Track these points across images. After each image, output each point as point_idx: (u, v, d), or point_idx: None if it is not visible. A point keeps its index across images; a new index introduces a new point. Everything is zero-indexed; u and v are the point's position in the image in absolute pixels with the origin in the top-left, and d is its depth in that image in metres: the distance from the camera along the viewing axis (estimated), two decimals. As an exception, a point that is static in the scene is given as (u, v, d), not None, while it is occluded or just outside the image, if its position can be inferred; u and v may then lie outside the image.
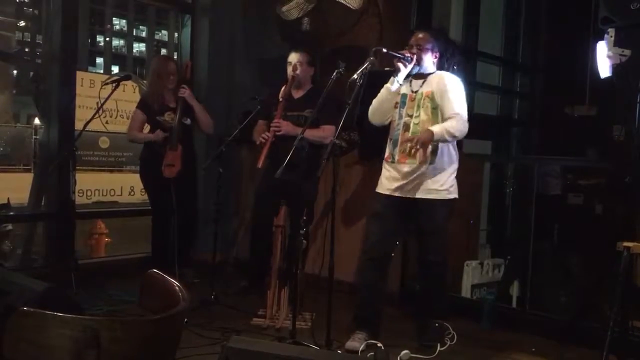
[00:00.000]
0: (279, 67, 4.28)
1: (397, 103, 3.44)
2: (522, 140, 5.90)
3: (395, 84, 3.34)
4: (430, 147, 3.25)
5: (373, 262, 3.43)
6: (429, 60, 3.40)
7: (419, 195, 3.34)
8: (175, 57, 5.85)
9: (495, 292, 4.20)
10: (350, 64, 3.31)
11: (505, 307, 4.05)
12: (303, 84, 4.20)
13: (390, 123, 3.49)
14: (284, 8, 4.62)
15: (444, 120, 3.28)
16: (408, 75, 3.40)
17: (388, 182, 3.43)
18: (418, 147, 3.18)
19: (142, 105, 4.55)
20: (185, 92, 4.37)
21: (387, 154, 3.48)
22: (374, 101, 3.46)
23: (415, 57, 3.34)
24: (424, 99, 3.35)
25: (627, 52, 3.23)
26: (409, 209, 3.39)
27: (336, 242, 3.31)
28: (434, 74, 3.42)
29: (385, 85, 3.40)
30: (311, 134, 3.88)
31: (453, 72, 3.47)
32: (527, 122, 5.95)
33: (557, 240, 4.85)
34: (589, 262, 4.04)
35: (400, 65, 3.30)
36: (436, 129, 3.20)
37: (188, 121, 4.44)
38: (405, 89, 3.44)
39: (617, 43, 3.22)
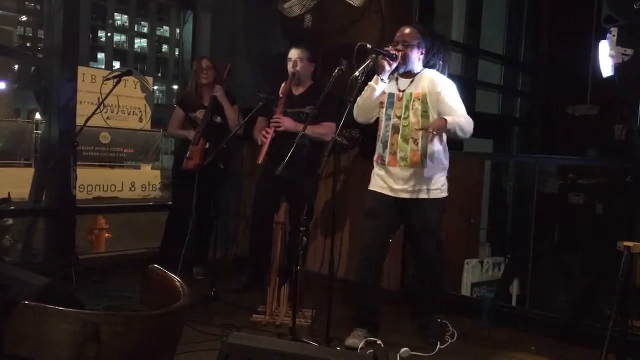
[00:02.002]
0: (280, 64, 4.28)
1: (382, 103, 3.41)
2: (523, 139, 5.90)
3: (380, 83, 3.30)
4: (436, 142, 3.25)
5: (370, 261, 3.43)
6: (416, 58, 3.35)
7: (410, 196, 3.33)
8: (177, 53, 5.85)
9: (495, 291, 4.20)
10: (352, 62, 3.30)
11: (505, 305, 4.05)
12: (304, 81, 4.19)
13: (377, 122, 3.47)
14: (286, 5, 4.62)
15: None
16: (394, 73, 3.36)
17: (381, 181, 3.42)
18: (435, 133, 3.16)
19: (180, 102, 4.78)
20: (217, 91, 4.43)
21: (376, 155, 3.46)
22: (359, 99, 3.37)
23: (400, 54, 3.28)
24: (413, 101, 3.31)
25: (630, 51, 3.23)
26: (401, 208, 3.39)
27: (336, 239, 3.30)
28: (422, 74, 3.37)
29: (370, 84, 3.34)
30: (312, 130, 3.87)
31: (439, 69, 3.45)
32: (529, 121, 5.95)
33: (557, 240, 4.85)
34: (589, 262, 4.04)
35: (385, 63, 3.24)
36: (449, 119, 3.19)
37: (218, 119, 4.51)
38: (392, 89, 3.40)
39: (620, 42, 3.22)
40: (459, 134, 3.23)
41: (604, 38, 3.30)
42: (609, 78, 3.40)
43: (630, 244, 3.00)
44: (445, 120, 3.17)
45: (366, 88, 3.36)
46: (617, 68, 3.30)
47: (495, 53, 5.47)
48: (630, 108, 3.75)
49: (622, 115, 4.47)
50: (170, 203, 5.01)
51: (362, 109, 3.42)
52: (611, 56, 3.26)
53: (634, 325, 3.22)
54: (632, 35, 3.21)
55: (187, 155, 4.38)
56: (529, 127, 5.97)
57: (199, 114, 4.54)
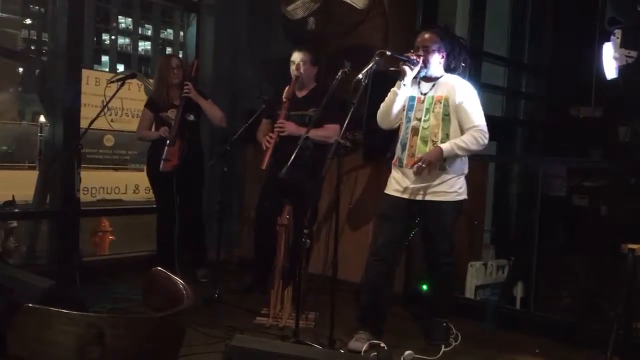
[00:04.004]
0: (283, 66, 4.28)
1: (403, 105, 3.41)
2: (527, 141, 5.88)
3: (402, 88, 3.31)
4: (437, 165, 3.26)
5: (381, 263, 3.41)
6: (436, 62, 3.36)
7: (427, 198, 3.32)
8: (181, 55, 5.86)
9: (499, 293, 4.19)
10: (355, 64, 3.30)
11: (509, 308, 4.05)
12: (307, 84, 4.20)
13: (398, 126, 3.48)
14: (289, 7, 4.63)
15: (462, 132, 3.29)
16: (416, 77, 3.37)
17: (396, 183, 3.42)
18: (424, 166, 3.19)
19: (149, 103, 4.62)
20: (188, 90, 4.39)
21: (395, 157, 3.46)
22: (382, 105, 3.41)
23: (421, 59, 3.30)
24: (434, 104, 3.31)
25: (634, 53, 3.22)
26: (417, 211, 3.38)
27: (339, 241, 3.30)
28: (444, 77, 3.38)
29: (392, 90, 3.35)
30: (315, 133, 3.87)
31: (461, 71, 3.45)
32: (532, 123, 5.93)
33: (561, 242, 4.84)
34: (594, 264, 4.03)
35: (406, 68, 3.25)
36: (445, 146, 3.21)
37: (191, 117, 4.48)
38: (413, 92, 3.40)
39: (624, 44, 3.21)
40: (461, 153, 3.24)
41: (608, 40, 3.29)
42: (613, 80, 3.39)
43: (635, 246, 3.00)
44: (440, 150, 3.19)
45: (389, 94, 3.37)
46: (621, 70, 3.29)
47: (498, 55, 5.47)
48: (634, 110, 3.75)
49: (626, 117, 4.46)
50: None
51: (384, 114, 3.42)
52: (615, 58, 3.26)
53: (638, 328, 3.21)
54: (635, 37, 3.20)
55: (164, 157, 4.31)
56: (533, 128, 5.96)
57: (170, 114, 4.46)
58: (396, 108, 3.38)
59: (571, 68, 5.31)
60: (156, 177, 4.51)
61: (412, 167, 3.25)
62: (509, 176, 5.47)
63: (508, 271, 4.43)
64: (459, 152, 3.23)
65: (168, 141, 4.32)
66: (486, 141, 3.27)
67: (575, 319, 3.62)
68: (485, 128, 3.27)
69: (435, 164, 3.24)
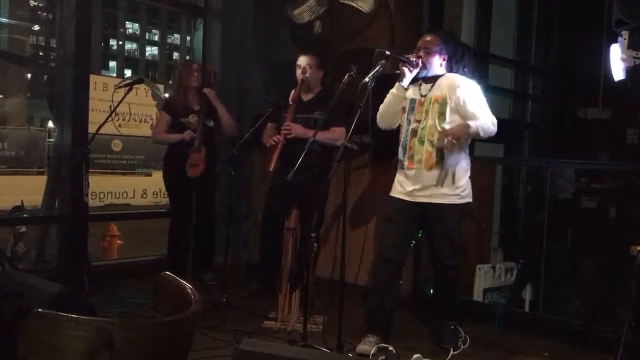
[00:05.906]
0: (290, 70, 4.30)
1: (404, 108, 3.42)
2: (535, 143, 5.86)
3: (400, 89, 3.32)
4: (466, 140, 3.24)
5: (387, 265, 3.41)
6: (437, 63, 3.36)
7: (429, 200, 3.32)
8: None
9: (507, 296, 4.18)
10: (361, 67, 3.31)
11: (517, 311, 4.03)
12: (312, 87, 4.21)
13: (399, 127, 3.48)
14: (296, 11, 4.64)
15: None
16: (417, 79, 3.37)
17: (400, 186, 3.42)
18: (454, 141, 3.13)
19: (167, 107, 4.65)
20: (210, 92, 4.42)
21: (397, 160, 3.47)
22: (381, 106, 3.43)
23: (420, 61, 3.30)
24: (432, 104, 3.31)
25: (641, 54, 3.21)
26: (421, 213, 3.38)
27: (347, 245, 3.30)
28: (443, 77, 3.38)
29: (391, 90, 3.37)
30: (322, 136, 3.87)
31: (463, 74, 3.45)
32: (540, 125, 5.91)
33: (570, 244, 4.82)
34: (603, 266, 4.01)
35: (405, 69, 3.26)
36: (472, 123, 3.18)
37: (211, 123, 4.51)
38: (413, 94, 3.40)
39: (631, 46, 3.20)
40: (481, 134, 3.21)
41: (615, 41, 3.29)
42: (621, 81, 3.38)
43: (644, 248, 2.98)
44: (468, 126, 3.16)
45: (387, 95, 3.37)
46: (629, 71, 3.28)
47: (505, 57, 5.45)
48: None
49: (634, 118, 4.45)
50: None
51: (383, 115, 3.45)
52: (622, 59, 3.25)
53: (648, 330, 3.19)
54: (643, 38, 3.20)
55: (191, 162, 4.34)
56: (540, 130, 5.94)
57: (192, 119, 4.48)
58: (393, 109, 3.39)
59: (578, 70, 5.30)
60: (175, 181, 4.55)
61: (440, 144, 3.19)
62: (516, 178, 5.45)
63: (516, 274, 4.41)
64: (481, 133, 3.20)
65: (193, 147, 4.35)
66: (496, 128, 3.24)
67: (585, 322, 3.60)
68: (495, 120, 3.25)
69: (463, 138, 3.18)
